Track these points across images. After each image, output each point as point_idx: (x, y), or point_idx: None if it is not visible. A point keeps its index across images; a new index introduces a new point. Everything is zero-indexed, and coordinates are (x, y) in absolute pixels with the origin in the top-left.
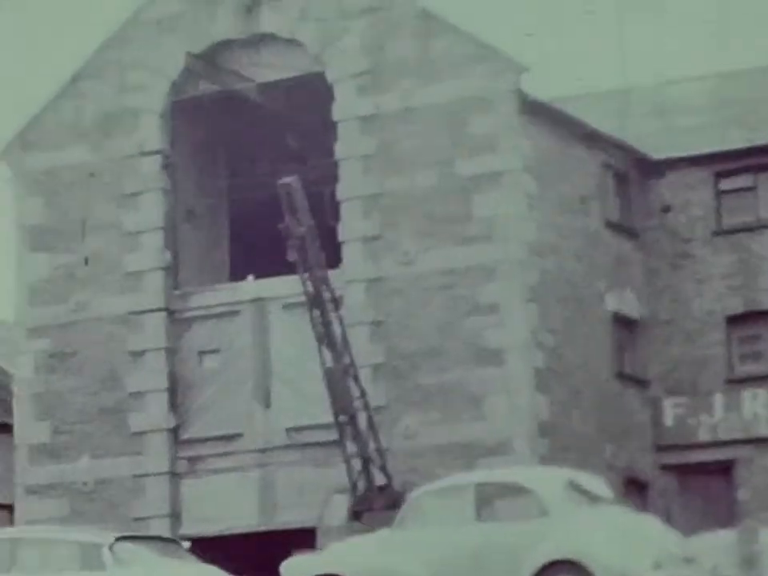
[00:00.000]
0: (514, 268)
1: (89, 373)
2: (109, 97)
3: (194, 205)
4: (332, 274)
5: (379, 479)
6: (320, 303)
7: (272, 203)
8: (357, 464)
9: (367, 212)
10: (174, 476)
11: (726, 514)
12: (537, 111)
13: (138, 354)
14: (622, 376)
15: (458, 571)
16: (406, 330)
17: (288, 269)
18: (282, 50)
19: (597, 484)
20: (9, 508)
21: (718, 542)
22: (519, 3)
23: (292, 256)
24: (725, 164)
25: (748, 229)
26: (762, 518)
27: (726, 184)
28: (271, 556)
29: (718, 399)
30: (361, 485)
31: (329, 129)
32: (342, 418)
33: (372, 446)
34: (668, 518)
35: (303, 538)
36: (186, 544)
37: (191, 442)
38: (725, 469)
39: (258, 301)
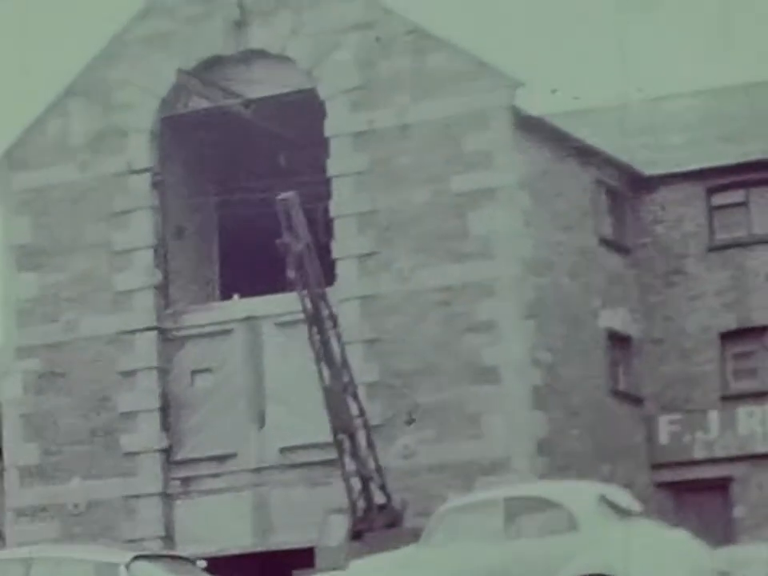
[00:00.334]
0: (510, 285)
1: (79, 393)
2: (97, 115)
3: (183, 222)
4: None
5: (378, 498)
6: (318, 321)
7: (262, 220)
8: (356, 483)
9: (361, 229)
10: (167, 497)
11: (722, 532)
12: (531, 127)
13: (129, 374)
14: (616, 394)
15: None
16: (401, 348)
17: (280, 287)
18: (272, 66)
19: (626, 498)
20: None
21: (749, 556)
22: (512, 18)
23: (290, 273)
24: (717, 179)
25: (741, 244)
26: (758, 535)
27: (718, 199)
28: None
29: (713, 416)
30: (360, 504)
31: (320, 145)
32: (341, 436)
33: (371, 464)
34: None
35: (298, 559)
36: (202, 563)
37: (184, 462)
38: (721, 486)
39: (250, 319)
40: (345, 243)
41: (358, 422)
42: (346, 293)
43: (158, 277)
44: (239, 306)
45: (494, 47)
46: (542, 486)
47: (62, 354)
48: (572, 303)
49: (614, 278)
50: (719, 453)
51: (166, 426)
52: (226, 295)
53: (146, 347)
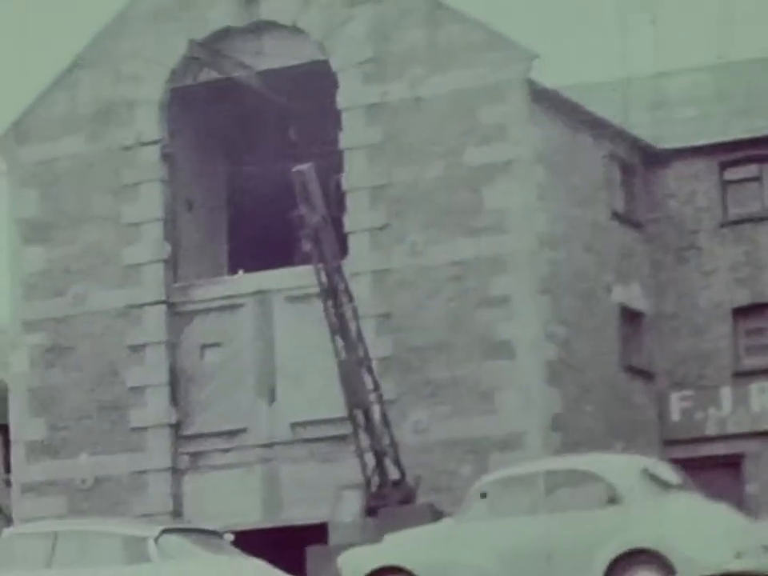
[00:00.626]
0: (525, 259)
1: (87, 368)
2: (105, 87)
3: (192, 195)
4: None
5: (392, 474)
6: (334, 294)
7: (271, 193)
8: (370, 459)
9: (374, 203)
10: (176, 472)
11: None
12: (547, 100)
13: (138, 348)
14: (629, 370)
15: (528, 563)
16: (414, 323)
17: (290, 260)
18: (283, 38)
19: (668, 471)
20: None
21: None
22: None
23: (306, 245)
24: (729, 154)
25: (754, 220)
26: None
27: (731, 174)
28: (276, 553)
29: (726, 393)
30: (375, 480)
31: (331, 118)
32: (355, 411)
33: (386, 440)
34: None
35: (309, 535)
36: (229, 537)
37: (193, 437)
38: (733, 463)
39: (260, 293)
40: (357, 217)
41: (373, 396)
42: (358, 267)
43: (167, 250)
44: (249, 280)
45: (501, 19)
46: (584, 459)
47: (69, 328)
48: (585, 278)
49: (626, 253)
50: (731, 429)
51: (174, 401)
52: (233, 269)
53: (155, 321)
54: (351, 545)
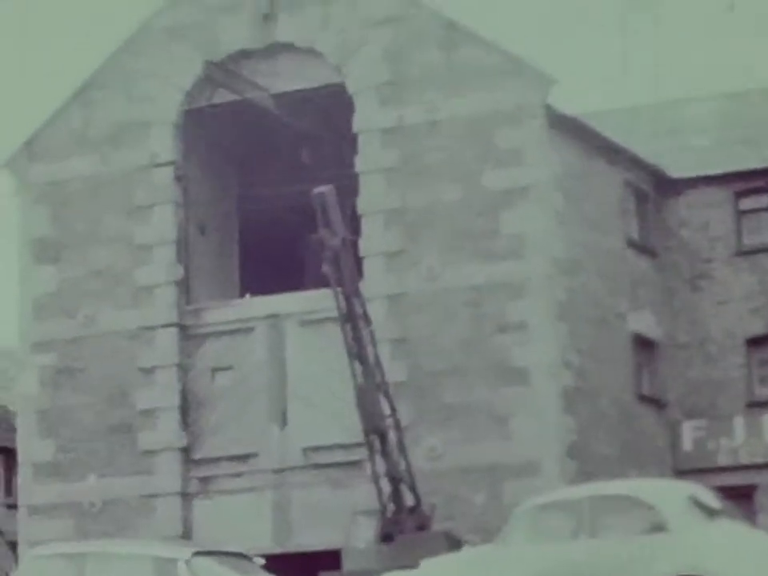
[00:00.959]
0: (541, 285)
1: (96, 389)
2: (119, 106)
3: (205, 217)
4: None
5: (407, 500)
6: (352, 318)
7: (283, 216)
8: (385, 484)
9: (389, 226)
10: (186, 496)
11: None
12: (564, 125)
13: (149, 371)
14: (642, 398)
15: None
16: (429, 348)
17: (301, 284)
18: (299, 60)
19: (712, 498)
20: None
21: None
22: (532, 18)
23: (325, 268)
24: (744, 184)
25: None
26: None
27: (745, 204)
28: None
29: (738, 423)
30: (390, 506)
31: (346, 141)
32: (372, 436)
33: (402, 465)
34: None
35: (321, 561)
36: (260, 561)
37: (204, 461)
38: (745, 494)
39: (273, 317)
40: (372, 240)
41: (389, 421)
42: (373, 291)
43: (180, 272)
44: (262, 303)
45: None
46: (630, 485)
47: (79, 349)
48: (600, 305)
49: (639, 280)
50: (744, 460)
51: (185, 424)
52: (246, 292)
53: (167, 343)
54: (365, 571)
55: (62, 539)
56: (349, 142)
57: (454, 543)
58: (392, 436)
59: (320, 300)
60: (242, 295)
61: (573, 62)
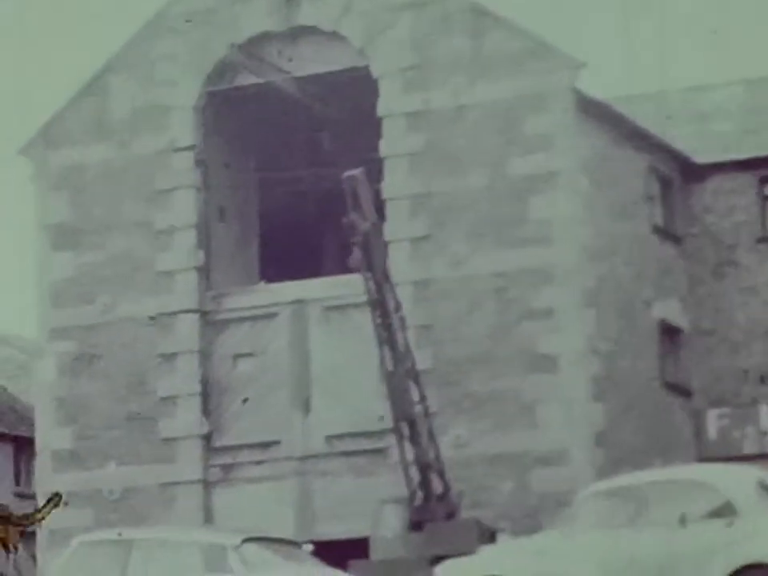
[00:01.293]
0: (570, 272)
1: (116, 376)
2: (137, 91)
3: (225, 202)
4: None
5: (436, 487)
6: (382, 304)
7: (303, 201)
8: (414, 472)
9: (415, 212)
10: (207, 485)
11: None
12: (592, 110)
13: (169, 357)
14: (667, 386)
15: None
16: (455, 335)
17: (322, 269)
18: (321, 44)
19: None
20: None
21: None
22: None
23: (356, 253)
24: None
25: None
26: None
27: None
28: None
29: (764, 411)
30: (419, 494)
31: (369, 125)
32: (401, 423)
33: (431, 452)
34: None
35: (343, 550)
36: (309, 547)
37: (225, 449)
38: None
39: (296, 303)
40: (397, 226)
41: (419, 408)
42: (398, 277)
43: (201, 258)
44: (284, 289)
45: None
46: (698, 470)
47: (98, 336)
48: (627, 292)
49: (665, 268)
50: None
51: (206, 412)
52: (266, 278)
53: (188, 330)
54: (394, 560)
55: (80, 528)
56: (372, 127)
57: (485, 531)
58: (422, 423)
59: (343, 286)
60: (262, 280)
61: (592, 45)
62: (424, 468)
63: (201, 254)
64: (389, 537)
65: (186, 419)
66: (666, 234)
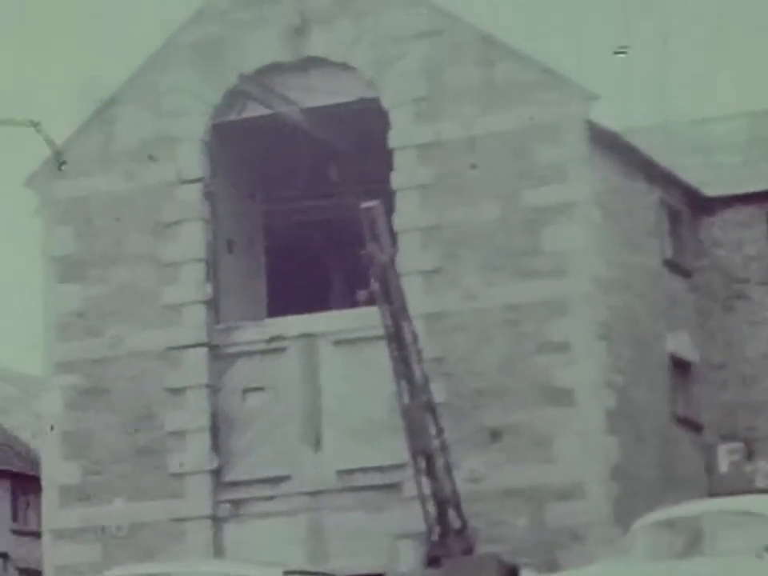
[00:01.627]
0: (584, 304)
1: (123, 410)
2: (145, 122)
3: (232, 235)
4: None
5: (453, 522)
6: (399, 337)
7: (309, 234)
8: (431, 506)
9: (426, 244)
10: (216, 520)
11: None
12: (605, 141)
13: (178, 391)
14: (678, 420)
15: None
16: (468, 368)
17: (330, 302)
18: (331, 74)
19: None
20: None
21: None
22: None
23: (373, 285)
24: None
25: None
26: None
27: None
28: None
29: None
30: (436, 529)
31: (378, 157)
32: (419, 457)
33: (448, 487)
34: None
35: None
36: None
37: (235, 484)
38: None
39: (306, 336)
40: (409, 258)
41: (436, 442)
42: (410, 310)
43: (209, 291)
44: (293, 322)
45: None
46: (750, 500)
47: (105, 370)
48: (639, 325)
49: (675, 301)
50: None
51: (215, 446)
52: (273, 311)
53: (196, 363)
54: None
55: (88, 564)
56: (381, 158)
57: (503, 566)
58: (439, 457)
59: (353, 319)
60: (270, 314)
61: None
62: (441, 502)
63: (209, 287)
64: (405, 572)
65: (195, 454)
66: (676, 267)
